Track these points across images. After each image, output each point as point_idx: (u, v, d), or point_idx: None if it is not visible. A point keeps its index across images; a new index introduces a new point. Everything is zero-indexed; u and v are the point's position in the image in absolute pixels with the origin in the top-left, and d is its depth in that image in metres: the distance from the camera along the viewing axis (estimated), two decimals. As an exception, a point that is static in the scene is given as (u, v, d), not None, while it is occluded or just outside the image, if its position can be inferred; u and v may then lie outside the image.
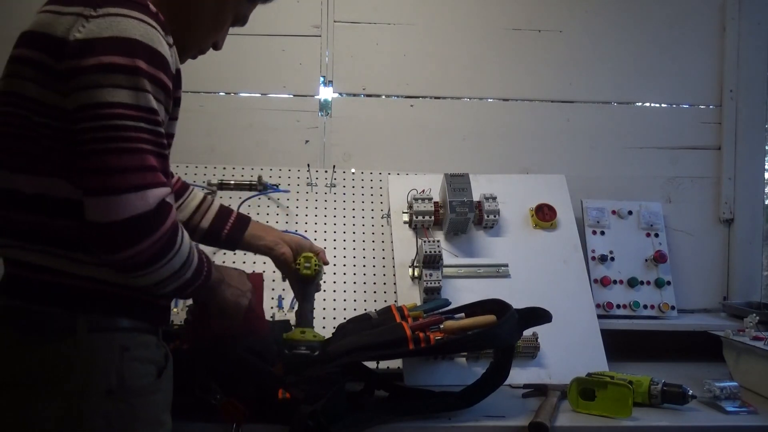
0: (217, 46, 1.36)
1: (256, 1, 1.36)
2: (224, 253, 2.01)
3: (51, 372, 1.05)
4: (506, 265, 1.96)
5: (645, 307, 2.17)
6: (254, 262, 2.02)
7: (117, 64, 1.00)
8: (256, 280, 1.51)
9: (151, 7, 1.08)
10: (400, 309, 1.67)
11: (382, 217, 2.14)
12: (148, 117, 1.04)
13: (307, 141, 2.41)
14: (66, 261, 1.07)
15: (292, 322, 1.84)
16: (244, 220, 1.59)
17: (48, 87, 1.04)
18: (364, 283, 2.00)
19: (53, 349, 1.05)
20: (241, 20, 1.36)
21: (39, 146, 1.06)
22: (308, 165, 2.21)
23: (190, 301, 1.87)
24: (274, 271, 1.97)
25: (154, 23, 1.06)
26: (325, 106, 2.43)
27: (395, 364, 1.78)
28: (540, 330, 1.75)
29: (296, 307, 1.63)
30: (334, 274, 2.01)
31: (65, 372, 1.05)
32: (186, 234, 1.10)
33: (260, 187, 2.15)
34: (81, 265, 1.08)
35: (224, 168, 2.21)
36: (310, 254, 1.58)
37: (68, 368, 1.05)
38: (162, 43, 1.06)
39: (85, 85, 1.00)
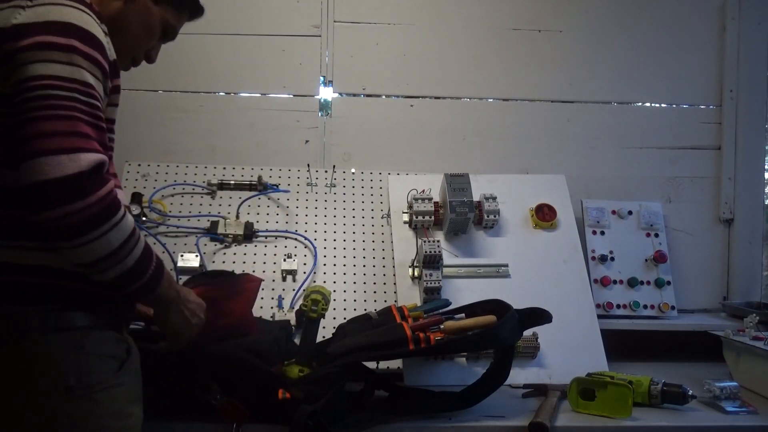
0: (150, 58, 1.38)
1: (183, 12, 1.39)
2: (224, 252, 2.01)
3: (10, 374, 1.05)
4: (506, 265, 1.96)
5: (645, 307, 2.17)
6: (253, 271, 2.02)
7: (52, 42, 1.04)
8: (245, 280, 1.51)
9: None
10: (400, 309, 1.67)
11: (382, 217, 2.14)
12: (82, 89, 1.05)
13: (307, 141, 2.41)
14: (10, 251, 1.07)
15: (293, 322, 1.85)
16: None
17: None
18: (364, 283, 2.00)
19: (9, 352, 1.06)
20: (170, 33, 1.39)
21: None
22: (308, 165, 2.21)
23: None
24: (274, 271, 1.99)
25: (88, 11, 1.10)
26: (325, 106, 2.43)
27: (395, 364, 1.78)
28: (540, 330, 1.75)
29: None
30: (334, 274, 2.01)
31: (25, 373, 1.06)
32: (130, 217, 1.08)
33: (260, 187, 2.15)
34: (27, 252, 1.07)
35: (224, 168, 2.21)
36: (318, 297, 1.60)
37: (27, 369, 1.06)
38: (97, 28, 1.10)
39: (22, 62, 1.03)
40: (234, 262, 1.98)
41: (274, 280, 1.96)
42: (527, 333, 1.70)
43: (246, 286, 1.49)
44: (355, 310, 1.94)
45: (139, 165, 2.20)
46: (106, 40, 1.13)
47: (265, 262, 2.01)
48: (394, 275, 1.98)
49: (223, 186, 2.16)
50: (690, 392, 1.57)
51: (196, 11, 1.43)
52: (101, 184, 1.02)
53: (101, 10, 1.18)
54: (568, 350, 1.83)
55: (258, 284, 1.49)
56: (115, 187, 1.14)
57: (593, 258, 2.21)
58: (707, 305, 2.40)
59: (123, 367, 1.15)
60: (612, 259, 2.22)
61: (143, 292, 1.14)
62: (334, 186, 2.20)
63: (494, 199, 2.03)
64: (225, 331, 1.41)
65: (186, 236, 2.03)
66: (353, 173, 2.26)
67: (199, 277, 1.52)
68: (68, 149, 1.00)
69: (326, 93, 2.43)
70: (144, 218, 2.01)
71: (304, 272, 1.99)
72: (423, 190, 2.03)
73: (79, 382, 1.07)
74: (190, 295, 1.27)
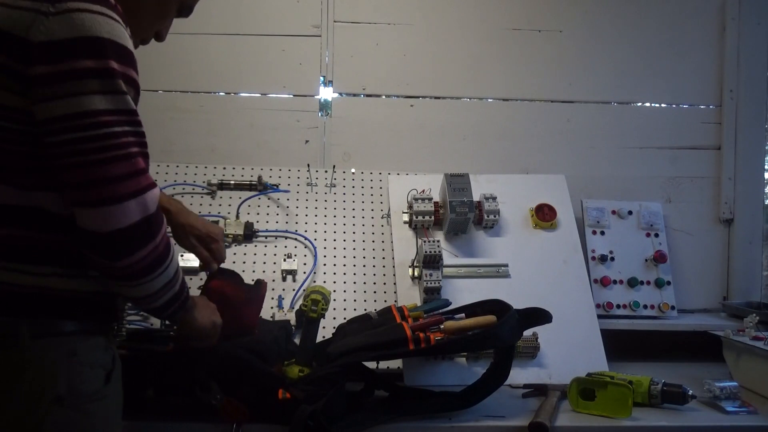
0: (160, 37, 1.28)
1: None
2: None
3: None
4: (506, 265, 1.96)
5: (645, 307, 2.17)
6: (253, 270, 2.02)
7: (89, 69, 0.97)
8: (262, 288, 1.54)
9: None
10: (400, 309, 1.67)
11: (382, 217, 2.14)
12: (130, 119, 1.02)
13: (307, 141, 2.41)
14: (6, 272, 1.02)
15: (293, 322, 1.85)
16: None
17: (10, 90, 0.99)
18: (364, 283, 2.00)
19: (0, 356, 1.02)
20: (186, 10, 1.29)
21: None
22: (308, 165, 2.21)
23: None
24: (274, 271, 1.99)
25: (116, 16, 1.02)
26: (325, 106, 2.43)
27: (395, 364, 1.78)
28: (540, 330, 1.75)
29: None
30: (334, 274, 2.01)
31: (14, 380, 1.01)
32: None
33: (260, 187, 2.15)
34: (20, 275, 1.03)
35: (224, 168, 2.21)
36: (318, 297, 1.61)
37: (16, 376, 1.01)
38: (126, 37, 1.03)
39: (60, 94, 0.96)
40: (234, 262, 1.98)
41: (274, 280, 1.96)
42: (527, 333, 1.70)
43: (261, 293, 1.53)
44: (355, 310, 1.94)
45: (139, 165, 2.20)
46: (132, 47, 1.06)
47: (265, 262, 2.01)
48: (394, 275, 1.98)
49: (223, 186, 2.16)
50: (690, 392, 1.56)
51: None
52: (162, 219, 1.04)
53: None
54: (567, 350, 1.83)
55: (266, 290, 1.54)
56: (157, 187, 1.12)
57: (593, 258, 2.21)
58: (707, 305, 2.40)
59: (110, 378, 1.12)
60: (612, 259, 2.22)
61: (178, 311, 1.17)
62: (334, 186, 2.20)
63: (494, 199, 2.03)
64: (231, 331, 1.42)
65: (186, 236, 2.02)
66: (353, 173, 2.26)
67: (219, 272, 1.53)
68: (134, 193, 0.98)
69: (326, 93, 2.43)
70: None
71: (304, 272, 1.99)
72: (423, 190, 2.03)
73: (70, 392, 1.03)
74: (205, 303, 1.32)
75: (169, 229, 1.20)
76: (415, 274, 1.92)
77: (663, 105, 2.54)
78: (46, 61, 0.96)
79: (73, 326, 1.07)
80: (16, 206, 1.02)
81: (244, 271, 1.93)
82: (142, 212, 0.99)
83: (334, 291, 1.92)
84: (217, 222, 2.03)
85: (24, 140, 1.00)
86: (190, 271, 1.89)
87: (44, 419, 1.02)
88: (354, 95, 2.46)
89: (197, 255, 1.47)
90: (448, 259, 1.91)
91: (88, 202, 0.98)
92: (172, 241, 1.10)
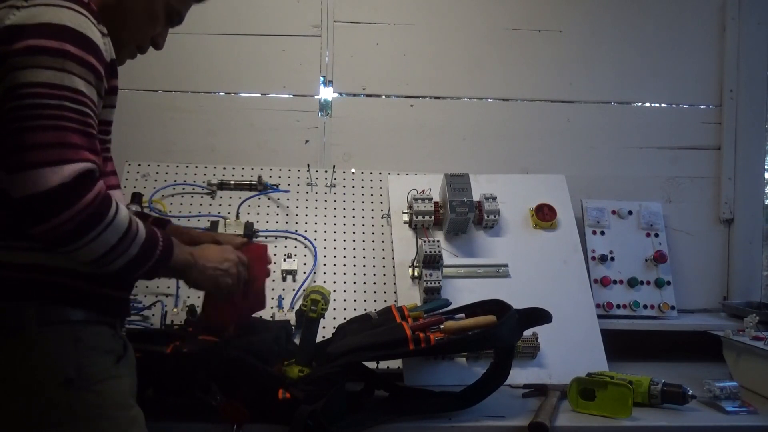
0: (157, 45, 1.33)
1: None
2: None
3: (7, 366, 1.05)
4: (506, 265, 1.96)
5: (645, 307, 2.17)
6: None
7: (43, 47, 1.03)
8: (257, 251, 1.50)
9: None
10: (400, 309, 1.67)
11: (382, 217, 2.14)
12: (72, 96, 1.05)
13: (307, 141, 2.41)
14: (5, 251, 1.07)
15: (293, 322, 1.85)
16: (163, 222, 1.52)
17: None
18: (364, 283, 2.00)
19: (5, 345, 1.06)
20: (176, 17, 1.33)
21: None
22: (308, 165, 2.21)
23: (190, 301, 1.89)
24: (274, 271, 1.98)
25: (84, 11, 1.08)
26: (325, 106, 2.43)
27: (395, 364, 1.78)
28: (540, 330, 1.75)
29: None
30: (334, 274, 2.01)
31: (20, 367, 1.05)
32: (123, 209, 1.09)
33: (260, 187, 2.15)
34: (24, 252, 1.07)
35: (224, 168, 2.21)
36: (318, 297, 1.61)
37: (23, 363, 1.06)
38: (93, 30, 1.09)
39: (12, 67, 1.02)
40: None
41: (274, 280, 1.95)
42: (527, 333, 1.70)
43: (262, 252, 1.50)
44: (355, 310, 1.94)
45: (139, 165, 2.20)
46: (103, 41, 1.11)
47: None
48: (394, 275, 1.98)
49: (223, 186, 2.16)
50: (690, 392, 1.56)
51: None
52: (86, 189, 1.03)
53: (105, 3, 1.16)
54: (567, 350, 1.83)
55: (264, 250, 1.53)
56: (115, 187, 1.14)
57: (593, 258, 2.21)
58: (707, 305, 2.40)
59: (120, 362, 1.16)
60: (612, 259, 2.22)
61: (156, 269, 1.17)
62: (334, 186, 2.20)
63: (494, 199, 2.03)
64: (250, 301, 1.43)
65: (186, 236, 2.02)
66: (353, 173, 2.26)
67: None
68: (53, 161, 1.00)
69: (326, 93, 2.43)
70: (144, 218, 2.01)
71: (304, 272, 1.99)
72: (423, 190, 2.03)
73: (79, 374, 1.07)
74: (209, 251, 1.30)
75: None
76: (415, 274, 1.92)
77: (663, 105, 2.54)
78: (8, 41, 1.04)
79: (79, 315, 1.11)
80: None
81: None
82: (57, 180, 1.00)
83: (334, 291, 1.92)
84: (217, 222, 2.04)
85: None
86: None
87: (55, 401, 1.05)
88: (354, 95, 2.46)
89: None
90: (448, 259, 1.91)
91: (11, 167, 1.01)
92: (120, 212, 1.09)
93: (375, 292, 1.99)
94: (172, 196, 2.12)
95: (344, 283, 2.00)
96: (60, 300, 1.10)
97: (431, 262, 1.83)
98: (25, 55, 1.02)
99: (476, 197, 1.99)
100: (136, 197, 2.03)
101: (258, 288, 1.48)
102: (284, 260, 1.99)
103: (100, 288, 1.14)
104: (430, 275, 1.83)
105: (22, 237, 1.07)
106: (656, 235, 2.28)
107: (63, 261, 1.09)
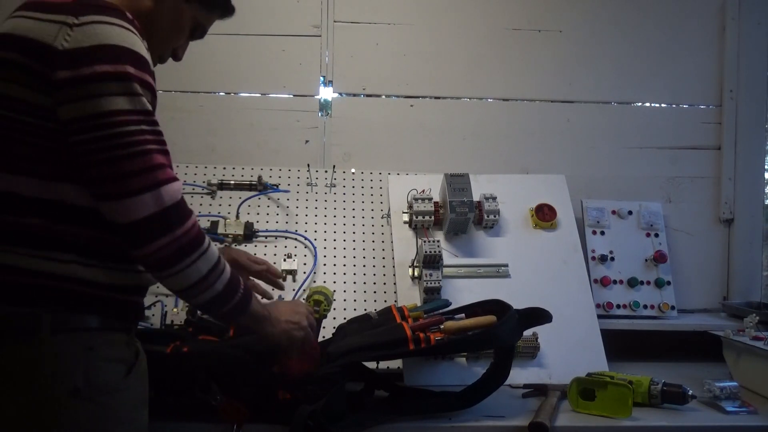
0: (177, 56, 1.39)
1: (214, 12, 1.38)
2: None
3: (14, 374, 1.05)
4: (506, 265, 1.96)
5: (645, 307, 2.17)
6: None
7: (109, 73, 1.05)
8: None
9: (128, 14, 1.14)
10: (400, 309, 1.67)
11: (382, 217, 2.14)
12: (147, 119, 1.09)
13: (307, 141, 2.41)
14: (28, 258, 1.07)
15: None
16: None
17: (36, 90, 1.06)
18: (364, 283, 2.00)
19: (16, 351, 1.05)
20: (199, 31, 1.39)
21: (8, 144, 1.08)
22: (308, 165, 2.21)
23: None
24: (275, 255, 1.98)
25: (132, 29, 1.11)
26: (325, 106, 2.43)
27: (395, 364, 1.78)
28: (540, 330, 1.75)
29: None
30: (334, 274, 2.01)
31: (29, 373, 1.05)
32: (214, 246, 1.15)
33: (260, 187, 2.15)
34: (46, 261, 1.08)
35: (224, 168, 2.21)
36: (321, 297, 1.62)
37: (32, 370, 1.05)
38: (142, 47, 1.12)
39: (82, 96, 1.04)
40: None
41: (273, 288, 1.95)
42: (527, 333, 1.70)
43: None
44: (355, 310, 1.94)
45: (139, 165, 2.20)
46: (148, 56, 1.14)
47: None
48: (394, 275, 1.98)
49: (223, 186, 2.16)
50: (690, 392, 1.56)
51: (227, 11, 1.41)
52: (185, 215, 1.10)
53: (132, 9, 1.18)
54: (567, 350, 1.83)
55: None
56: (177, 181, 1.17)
57: (593, 258, 2.21)
58: (707, 305, 2.40)
59: (131, 372, 1.15)
60: (612, 259, 2.22)
61: (236, 313, 1.22)
62: (334, 186, 2.20)
63: (494, 199, 2.03)
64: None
65: (186, 236, 2.02)
66: (353, 173, 2.26)
67: None
68: (149, 186, 1.06)
69: (326, 93, 2.43)
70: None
71: (304, 272, 1.99)
72: (423, 190, 2.03)
73: (87, 384, 1.07)
74: (281, 305, 1.41)
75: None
76: (415, 274, 1.92)
77: (663, 105, 2.54)
78: (69, 66, 1.05)
79: (95, 322, 1.11)
80: (37, 198, 1.08)
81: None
82: (158, 205, 1.06)
83: (334, 291, 1.91)
84: (216, 222, 2.03)
85: (48, 135, 1.07)
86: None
87: (60, 410, 1.05)
88: (354, 95, 2.46)
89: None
90: (448, 259, 1.91)
91: (108, 195, 1.06)
92: (214, 245, 1.15)
93: (375, 292, 1.99)
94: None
95: (344, 283, 2.00)
96: (76, 307, 1.10)
97: (431, 262, 1.83)
98: (94, 83, 1.04)
99: (476, 197, 1.99)
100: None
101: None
102: (284, 260, 1.99)
103: (117, 294, 1.14)
104: (430, 275, 1.83)
105: (46, 246, 1.08)
106: (656, 235, 2.28)
107: (81, 270, 1.09)
